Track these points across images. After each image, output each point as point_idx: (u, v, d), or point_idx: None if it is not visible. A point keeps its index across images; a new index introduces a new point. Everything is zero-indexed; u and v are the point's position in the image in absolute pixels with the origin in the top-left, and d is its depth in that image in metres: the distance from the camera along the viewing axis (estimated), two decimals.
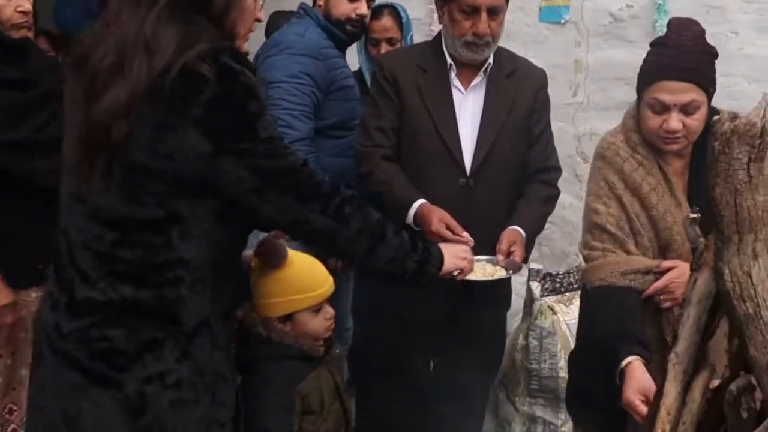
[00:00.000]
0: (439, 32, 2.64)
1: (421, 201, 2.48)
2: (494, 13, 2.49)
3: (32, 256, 2.30)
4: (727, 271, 1.35)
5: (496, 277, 2.37)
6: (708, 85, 2.08)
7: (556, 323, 3.12)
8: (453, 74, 2.58)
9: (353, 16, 2.85)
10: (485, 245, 2.38)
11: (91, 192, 1.61)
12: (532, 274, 3.26)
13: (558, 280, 3.35)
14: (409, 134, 2.59)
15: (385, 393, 2.68)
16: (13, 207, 2.30)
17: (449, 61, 2.57)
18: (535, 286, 3.22)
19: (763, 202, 1.32)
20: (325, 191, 1.70)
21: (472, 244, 2.29)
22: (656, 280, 2.09)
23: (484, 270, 2.36)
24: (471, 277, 2.15)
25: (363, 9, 2.87)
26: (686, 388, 1.54)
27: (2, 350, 2.37)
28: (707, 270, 1.50)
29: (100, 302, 1.61)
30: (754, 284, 1.33)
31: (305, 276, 1.98)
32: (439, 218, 2.40)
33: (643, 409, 1.81)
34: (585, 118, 3.56)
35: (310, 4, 2.97)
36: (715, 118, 1.35)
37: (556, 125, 3.68)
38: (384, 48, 3.21)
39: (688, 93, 2.02)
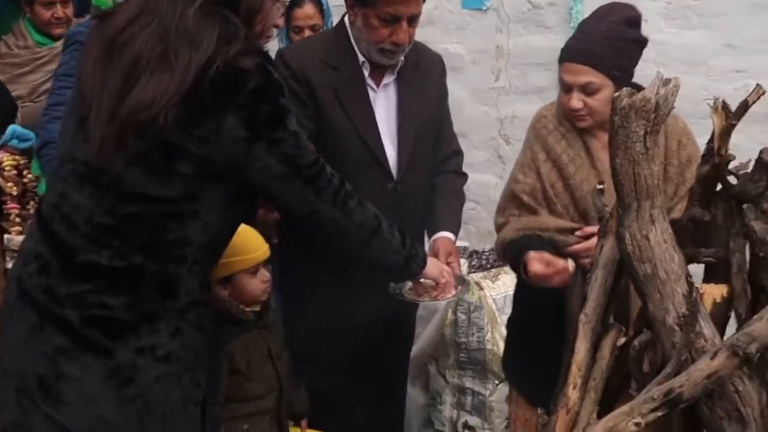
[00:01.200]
0: (342, 23, 2.49)
1: None
2: (413, 20, 2.38)
3: None
4: (627, 235, 1.47)
5: (451, 297, 2.35)
6: (609, 69, 2.15)
7: (482, 298, 3.24)
8: (366, 73, 2.46)
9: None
10: None
11: (111, 164, 1.65)
12: (462, 251, 3.38)
13: (484, 257, 3.49)
14: (330, 140, 2.41)
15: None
16: None
17: (362, 58, 2.44)
18: (462, 263, 3.34)
19: (659, 171, 1.45)
20: (336, 184, 1.83)
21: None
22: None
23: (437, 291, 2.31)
24: (428, 300, 2.29)
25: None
26: (597, 346, 1.68)
27: None
28: (612, 236, 1.63)
29: (104, 268, 1.65)
30: (651, 246, 1.46)
31: (241, 241, 2.04)
32: None
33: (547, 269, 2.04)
34: (507, 101, 3.68)
35: None
36: (615, 94, 1.47)
37: (479, 108, 3.84)
38: (307, 35, 3.26)
39: (585, 75, 2.12)
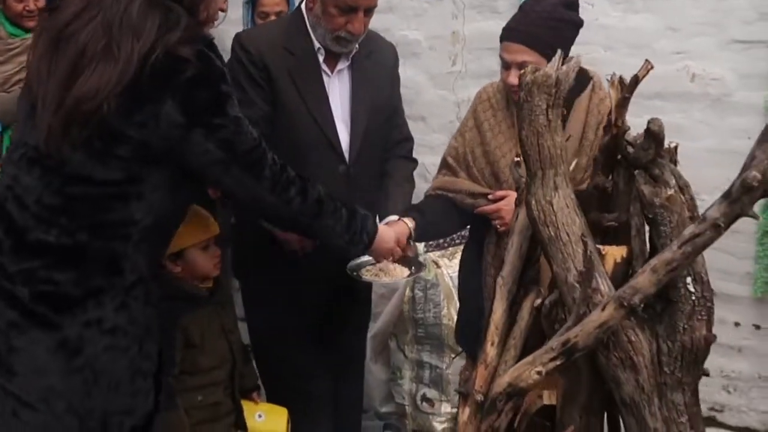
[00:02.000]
0: (299, 10, 2.58)
1: None
2: (370, 11, 2.46)
3: None
4: (533, 201, 1.60)
5: (405, 277, 2.49)
6: (544, 49, 2.25)
7: (439, 276, 3.36)
8: (321, 59, 2.53)
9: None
10: None
11: (58, 151, 1.72)
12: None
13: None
14: (286, 123, 2.52)
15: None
16: None
17: (317, 45, 2.51)
18: (420, 243, 3.46)
19: (561, 142, 1.57)
20: (276, 171, 1.88)
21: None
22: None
23: (392, 272, 2.45)
24: (383, 280, 2.42)
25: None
26: (515, 308, 1.81)
27: None
28: None
29: (53, 245, 1.73)
30: (555, 211, 1.58)
31: (191, 216, 2.13)
32: None
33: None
34: (463, 85, 3.78)
35: None
36: (521, 71, 1.59)
37: (437, 93, 3.95)
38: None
39: (522, 54, 2.24)
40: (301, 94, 2.51)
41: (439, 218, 2.53)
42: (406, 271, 2.49)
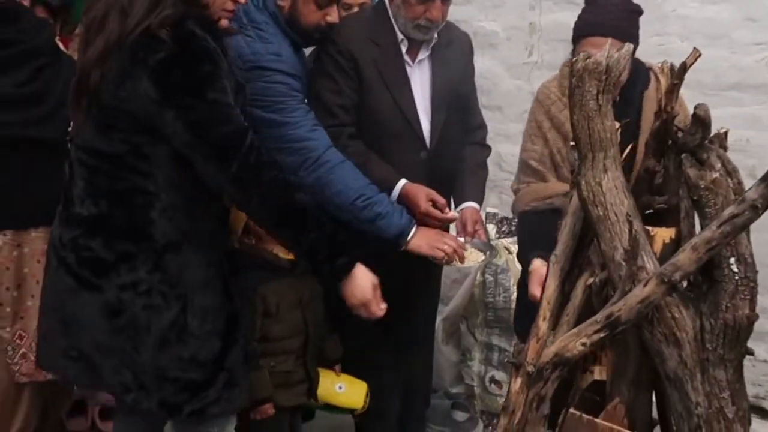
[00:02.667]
0: (382, 2, 2.65)
1: (403, 181, 2.51)
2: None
3: (25, 200, 2.61)
4: (583, 183, 1.68)
5: (480, 261, 2.56)
6: (628, 39, 2.24)
7: (509, 261, 3.44)
8: (404, 49, 2.61)
9: (322, 24, 2.53)
10: None
11: (79, 127, 1.93)
12: (488, 218, 3.59)
13: (513, 223, 3.67)
14: (371, 111, 2.58)
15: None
16: (3, 157, 2.57)
17: (400, 36, 2.59)
18: (491, 228, 3.55)
19: (611, 126, 1.65)
20: (247, 167, 1.85)
21: (456, 218, 2.51)
22: None
23: (467, 256, 2.51)
24: (457, 263, 2.45)
25: (334, 16, 2.55)
26: (569, 286, 1.88)
27: (9, 284, 2.68)
28: None
29: (84, 216, 1.92)
30: (603, 192, 1.66)
31: None
32: (426, 197, 2.47)
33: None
34: (539, 76, 3.82)
35: None
36: (573, 59, 1.67)
37: (513, 83, 4.02)
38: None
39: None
40: (386, 84, 2.59)
41: (547, 230, 2.41)
42: (480, 256, 2.60)
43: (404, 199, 2.49)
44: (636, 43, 2.44)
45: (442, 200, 2.47)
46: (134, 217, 1.89)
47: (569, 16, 3.73)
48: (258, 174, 1.89)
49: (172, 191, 1.90)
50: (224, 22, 2.00)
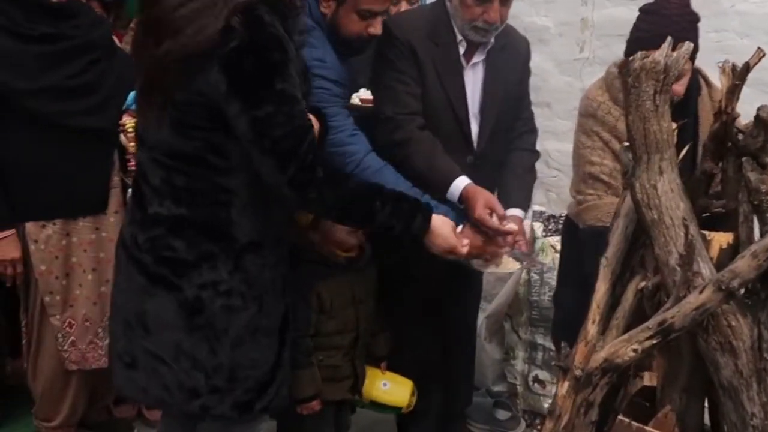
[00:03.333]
0: (441, 1, 2.59)
1: (467, 181, 2.45)
2: (507, 1, 2.47)
3: (74, 189, 2.65)
4: (637, 185, 1.64)
5: (514, 270, 2.52)
6: (694, 52, 2.26)
7: (555, 260, 3.39)
8: (462, 50, 2.56)
9: (364, 35, 2.41)
10: None
11: (150, 128, 1.87)
12: (535, 216, 3.54)
13: (560, 221, 3.62)
14: (424, 110, 2.54)
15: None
16: (49, 148, 2.60)
17: (459, 37, 2.54)
18: (538, 226, 3.51)
19: (667, 127, 1.61)
20: (303, 168, 1.81)
21: (512, 231, 2.37)
22: None
23: (502, 263, 2.44)
24: (489, 269, 2.41)
25: (377, 28, 2.40)
26: (620, 290, 1.85)
27: (58, 273, 2.72)
28: None
29: (165, 216, 1.88)
30: (658, 195, 1.62)
31: None
32: (485, 203, 2.37)
33: None
34: (590, 72, 3.77)
35: None
36: (630, 58, 1.63)
37: (563, 79, 3.96)
38: (404, 6, 3.44)
39: None
40: (442, 84, 2.55)
41: None
42: (516, 265, 2.52)
43: (464, 200, 2.42)
44: (696, 52, 2.37)
45: (501, 211, 2.38)
46: (216, 216, 1.87)
47: (623, 11, 3.71)
48: (313, 174, 1.85)
49: (251, 189, 1.87)
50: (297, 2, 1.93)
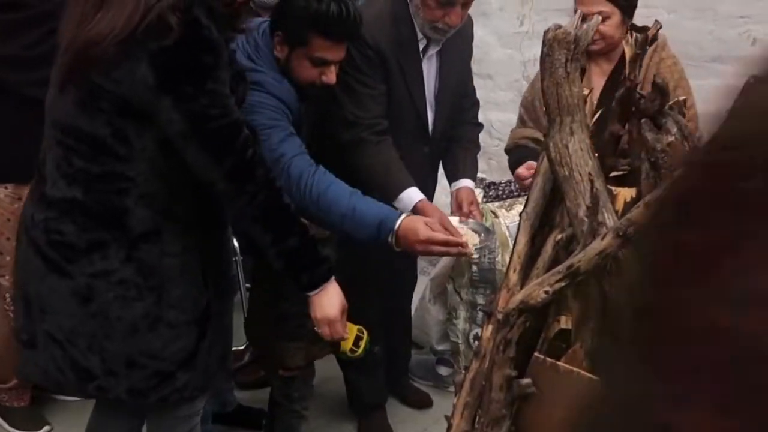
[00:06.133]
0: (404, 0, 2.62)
1: (421, 196, 2.49)
2: (467, 5, 2.54)
3: (24, 155, 2.70)
4: (551, 144, 1.80)
5: (475, 244, 2.55)
6: (626, 7, 2.51)
7: (496, 224, 3.57)
8: (422, 47, 2.65)
9: (317, 82, 2.37)
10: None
11: (57, 102, 1.82)
12: (477, 182, 3.71)
13: (501, 188, 3.81)
14: (388, 104, 2.62)
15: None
16: (5, 114, 2.70)
17: (420, 35, 2.63)
18: (478, 192, 3.68)
19: (578, 92, 1.77)
20: (241, 163, 1.81)
21: (464, 243, 2.34)
22: None
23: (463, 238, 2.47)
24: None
25: (330, 77, 2.36)
26: (539, 242, 2.02)
27: (9, 234, 2.75)
28: None
29: (57, 198, 1.83)
30: (569, 153, 1.78)
31: None
32: (439, 221, 2.32)
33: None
34: (530, 45, 3.95)
35: None
36: (545, 29, 1.79)
37: (504, 52, 4.13)
38: None
39: (597, 5, 2.48)
40: (405, 81, 2.64)
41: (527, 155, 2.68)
42: (476, 238, 2.64)
43: (417, 213, 2.41)
44: (628, 4, 2.61)
45: (453, 228, 2.34)
46: (109, 203, 1.82)
47: None
48: (252, 171, 1.85)
49: (154, 180, 1.83)
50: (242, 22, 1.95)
